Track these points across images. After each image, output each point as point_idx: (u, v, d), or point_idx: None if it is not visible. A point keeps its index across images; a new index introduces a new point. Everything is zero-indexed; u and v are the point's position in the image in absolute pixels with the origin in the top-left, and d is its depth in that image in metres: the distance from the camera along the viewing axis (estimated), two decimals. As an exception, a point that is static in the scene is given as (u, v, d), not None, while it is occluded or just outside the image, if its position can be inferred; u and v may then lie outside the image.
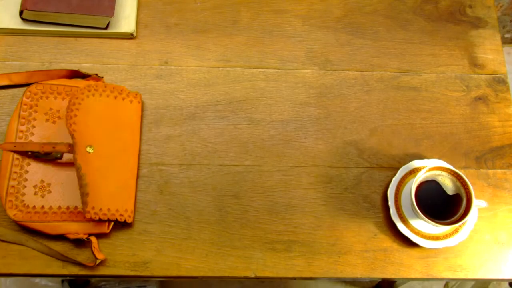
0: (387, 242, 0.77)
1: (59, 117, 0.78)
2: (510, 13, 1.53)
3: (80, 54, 0.86)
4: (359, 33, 0.91)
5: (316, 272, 0.75)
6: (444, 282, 1.40)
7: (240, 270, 0.74)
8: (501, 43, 0.92)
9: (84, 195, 0.71)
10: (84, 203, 0.71)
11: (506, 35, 1.65)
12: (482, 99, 0.88)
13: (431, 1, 0.95)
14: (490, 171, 0.83)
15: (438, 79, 0.89)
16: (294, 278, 0.75)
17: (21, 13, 0.84)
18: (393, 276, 0.76)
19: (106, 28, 0.86)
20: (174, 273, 0.73)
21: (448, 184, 0.75)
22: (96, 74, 0.83)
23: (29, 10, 0.82)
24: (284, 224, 0.77)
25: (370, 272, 0.75)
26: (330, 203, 0.79)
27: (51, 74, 0.82)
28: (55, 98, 0.79)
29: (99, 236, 0.74)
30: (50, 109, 0.78)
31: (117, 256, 0.74)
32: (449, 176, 0.75)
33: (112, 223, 0.74)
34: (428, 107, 0.86)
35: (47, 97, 0.78)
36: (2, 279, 1.16)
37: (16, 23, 0.85)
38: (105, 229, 0.73)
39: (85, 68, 0.85)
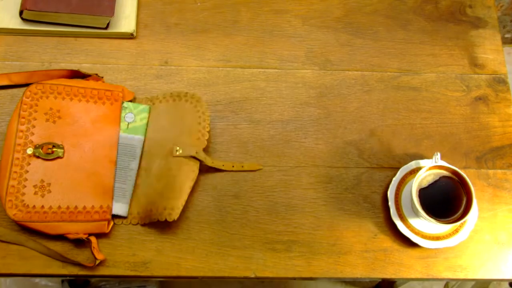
0: (387, 242, 0.77)
1: (59, 117, 0.78)
2: (510, 13, 1.53)
3: (80, 54, 0.86)
4: (359, 33, 0.91)
5: (316, 272, 0.75)
6: (444, 282, 1.40)
7: (240, 270, 0.74)
8: (501, 43, 0.92)
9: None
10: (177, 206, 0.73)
11: (506, 35, 1.65)
12: (482, 99, 0.88)
13: (431, 1, 0.95)
14: (490, 171, 0.83)
15: (438, 79, 0.89)
16: (294, 278, 0.75)
17: (21, 13, 0.84)
18: (393, 276, 0.75)
19: (106, 28, 0.86)
20: (174, 273, 0.73)
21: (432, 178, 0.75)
22: (96, 74, 0.83)
23: (29, 10, 0.82)
24: (284, 224, 0.77)
25: (370, 272, 0.75)
26: (330, 203, 0.79)
27: (51, 74, 0.82)
28: (55, 98, 0.79)
29: (99, 236, 0.74)
30: (50, 109, 0.78)
31: (117, 256, 0.74)
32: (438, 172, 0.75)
33: (112, 223, 0.74)
34: (428, 107, 0.86)
35: (47, 97, 0.78)
36: (2, 279, 1.16)
37: (16, 23, 0.85)
38: (105, 229, 0.73)
39: (85, 68, 0.85)
